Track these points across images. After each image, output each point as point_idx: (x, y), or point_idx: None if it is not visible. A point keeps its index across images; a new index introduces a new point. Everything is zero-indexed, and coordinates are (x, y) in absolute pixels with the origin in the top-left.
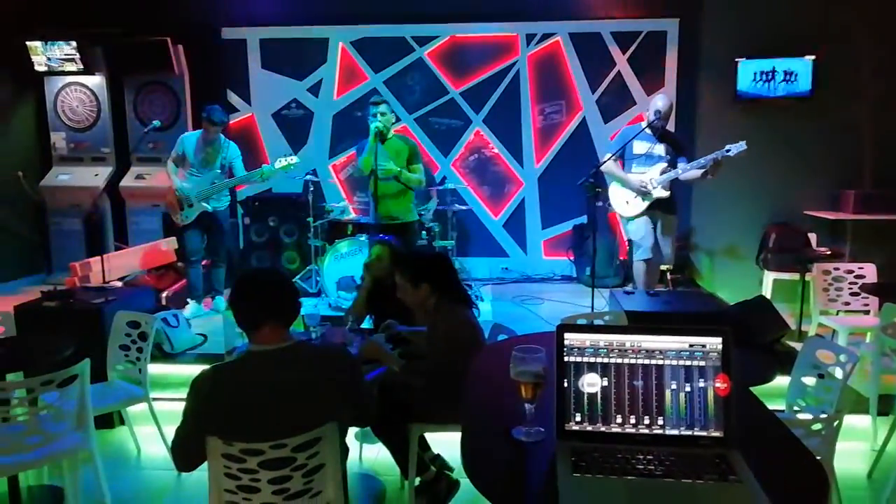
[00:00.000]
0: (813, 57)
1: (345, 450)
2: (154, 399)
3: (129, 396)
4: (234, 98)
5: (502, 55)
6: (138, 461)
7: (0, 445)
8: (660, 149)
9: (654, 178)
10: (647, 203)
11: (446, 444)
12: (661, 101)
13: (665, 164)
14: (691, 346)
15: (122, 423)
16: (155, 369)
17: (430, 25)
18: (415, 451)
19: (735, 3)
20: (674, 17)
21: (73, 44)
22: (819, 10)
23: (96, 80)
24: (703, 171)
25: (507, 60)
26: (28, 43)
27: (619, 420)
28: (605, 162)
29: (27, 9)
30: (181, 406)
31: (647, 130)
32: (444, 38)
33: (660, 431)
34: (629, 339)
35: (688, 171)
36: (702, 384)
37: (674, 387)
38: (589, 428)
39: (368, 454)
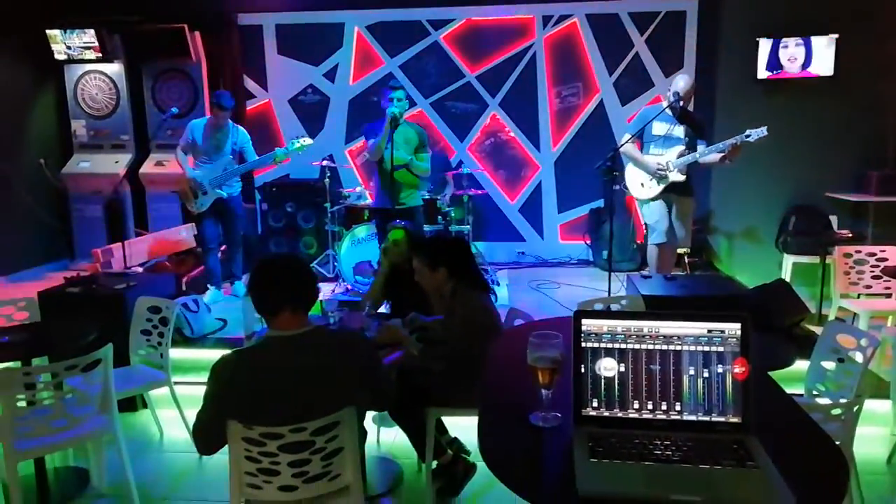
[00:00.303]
0: (835, 35)
1: (363, 433)
2: (175, 383)
3: (152, 380)
4: (250, 84)
5: (518, 38)
6: (161, 444)
7: (27, 429)
8: (679, 131)
9: (671, 160)
10: (662, 186)
11: (464, 427)
12: (681, 81)
13: (683, 147)
14: (710, 331)
15: (145, 406)
16: (176, 354)
17: (445, 9)
18: (432, 434)
19: None
20: None
21: (92, 32)
22: None
23: (115, 68)
24: (721, 155)
25: (523, 43)
26: (48, 31)
27: (636, 406)
28: (623, 144)
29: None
30: (202, 390)
31: (668, 111)
32: (460, 21)
33: (677, 417)
34: (647, 325)
35: (706, 155)
36: (720, 370)
37: (692, 372)
38: (606, 413)
39: (386, 437)
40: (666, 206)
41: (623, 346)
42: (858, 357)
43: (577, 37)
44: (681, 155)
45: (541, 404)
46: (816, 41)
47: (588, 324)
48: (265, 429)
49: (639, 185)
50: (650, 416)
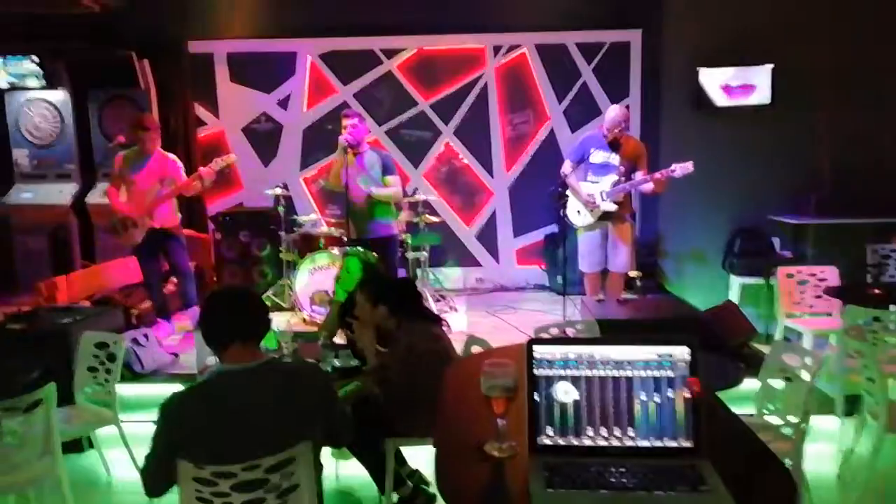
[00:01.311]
0: (772, 65)
1: (319, 467)
2: (124, 421)
3: (98, 419)
4: (202, 112)
5: (470, 67)
6: (108, 486)
7: None
8: (615, 159)
9: (604, 189)
10: (596, 216)
11: (424, 459)
12: (610, 111)
13: (617, 177)
14: (659, 356)
15: (91, 446)
16: (125, 390)
17: (398, 37)
18: (391, 466)
19: (695, 14)
20: (636, 27)
21: (35, 58)
22: (777, 19)
23: (60, 96)
24: (650, 185)
25: (474, 72)
26: None
27: (590, 433)
28: (569, 172)
29: None
30: (152, 428)
31: (604, 140)
32: (412, 50)
33: (631, 443)
34: (598, 351)
35: (636, 185)
36: (670, 394)
37: (643, 397)
38: (561, 441)
39: (344, 471)
40: (601, 234)
41: (576, 372)
42: (805, 375)
43: (526, 66)
44: (615, 184)
45: (497, 434)
46: (754, 70)
47: (540, 351)
48: (216, 468)
49: (575, 212)
50: (605, 443)
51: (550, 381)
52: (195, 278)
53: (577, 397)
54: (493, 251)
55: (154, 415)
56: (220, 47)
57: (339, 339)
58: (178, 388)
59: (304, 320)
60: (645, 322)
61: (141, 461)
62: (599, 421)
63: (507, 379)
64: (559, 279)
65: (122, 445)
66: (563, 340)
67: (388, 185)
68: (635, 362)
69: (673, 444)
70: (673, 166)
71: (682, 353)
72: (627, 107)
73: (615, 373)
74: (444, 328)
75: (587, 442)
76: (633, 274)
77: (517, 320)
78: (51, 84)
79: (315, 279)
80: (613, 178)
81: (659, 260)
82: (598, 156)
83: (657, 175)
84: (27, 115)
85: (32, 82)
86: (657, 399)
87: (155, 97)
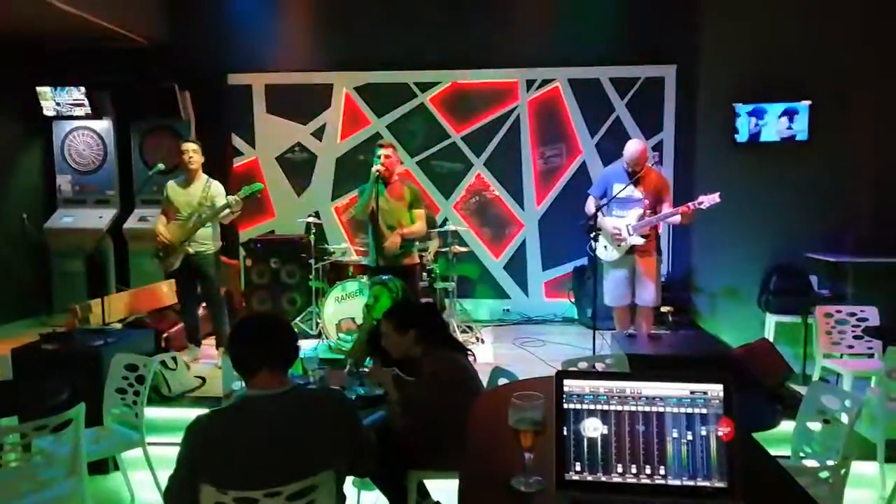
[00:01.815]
0: (809, 102)
1: (342, 498)
2: (150, 444)
3: (125, 441)
4: (238, 142)
5: (503, 100)
6: None
7: None
8: (638, 192)
9: (630, 223)
10: (623, 250)
11: (446, 491)
12: (630, 146)
13: (642, 210)
14: (692, 392)
15: (117, 468)
16: (152, 413)
17: (432, 72)
18: (413, 499)
19: (731, 50)
20: (671, 63)
21: (83, 89)
22: (815, 54)
23: (103, 125)
24: (678, 217)
25: (507, 105)
26: (38, 88)
27: (619, 469)
28: (597, 209)
29: (39, 56)
30: (177, 451)
31: (626, 174)
32: (446, 83)
33: (661, 482)
34: (629, 386)
35: (663, 218)
36: (703, 432)
37: (675, 435)
38: (589, 477)
39: (366, 501)
40: (628, 268)
41: (606, 407)
42: (844, 418)
43: (559, 100)
44: (640, 217)
45: (523, 468)
46: (792, 107)
47: (570, 384)
48: (239, 493)
49: (603, 247)
50: (634, 480)
51: (580, 415)
52: (225, 303)
53: (607, 432)
54: (522, 283)
55: (178, 437)
56: (259, 79)
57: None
58: (203, 411)
59: (331, 348)
60: (675, 358)
61: (165, 484)
62: (629, 458)
63: (535, 412)
64: (588, 312)
65: (147, 468)
66: (593, 374)
67: (415, 219)
68: (667, 398)
69: (706, 484)
70: (700, 198)
71: (716, 390)
72: (661, 141)
73: (646, 408)
74: (470, 358)
75: (616, 479)
76: (664, 309)
77: (544, 353)
78: (95, 113)
79: (342, 307)
80: (639, 211)
81: (692, 296)
82: (619, 189)
83: (684, 208)
84: (72, 142)
85: (78, 111)
86: (689, 437)
87: (194, 127)
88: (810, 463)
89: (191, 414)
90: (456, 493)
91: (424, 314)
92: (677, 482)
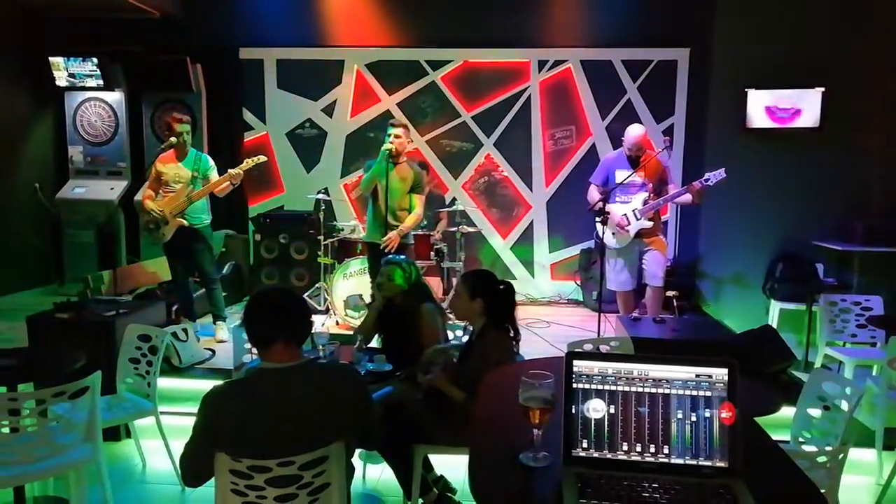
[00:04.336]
0: (822, 89)
1: (351, 469)
2: (161, 413)
3: (138, 409)
4: (249, 116)
5: (514, 81)
6: (143, 475)
7: (9, 456)
8: (639, 178)
9: (636, 207)
10: (631, 237)
11: (449, 465)
12: (633, 130)
13: (646, 194)
14: (698, 376)
15: (128, 435)
16: (162, 383)
17: (444, 50)
18: (419, 472)
19: (745, 34)
20: (684, 46)
21: (95, 60)
22: (828, 41)
23: (115, 96)
24: (689, 196)
25: (518, 86)
26: (51, 59)
27: (625, 447)
28: (599, 199)
29: (51, 27)
30: (188, 420)
31: (627, 160)
32: (458, 62)
33: (665, 460)
34: (637, 368)
35: (671, 199)
36: (707, 414)
37: (680, 416)
38: (595, 454)
39: (372, 474)
40: (635, 253)
41: (613, 387)
42: (844, 405)
43: (571, 82)
44: (646, 201)
45: (531, 444)
46: (804, 93)
47: (580, 365)
48: (253, 461)
49: (610, 233)
50: (639, 458)
51: (587, 394)
52: (232, 276)
53: (613, 412)
54: (528, 264)
55: (190, 408)
56: (270, 54)
57: (374, 343)
58: (213, 382)
59: (338, 323)
60: (680, 343)
61: (176, 452)
62: (634, 437)
63: (545, 391)
64: (594, 295)
65: (158, 436)
66: (602, 356)
67: (414, 204)
68: (673, 381)
69: (707, 463)
70: (706, 175)
71: (720, 374)
72: (672, 125)
73: (652, 390)
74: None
75: (621, 456)
76: (669, 293)
77: (549, 335)
78: (108, 85)
79: (350, 284)
80: (643, 195)
81: (697, 281)
82: (623, 175)
83: (690, 186)
84: (84, 113)
85: (91, 83)
86: (693, 418)
87: (205, 101)
88: (809, 448)
89: (201, 385)
90: (458, 467)
91: (497, 291)
92: (680, 461)
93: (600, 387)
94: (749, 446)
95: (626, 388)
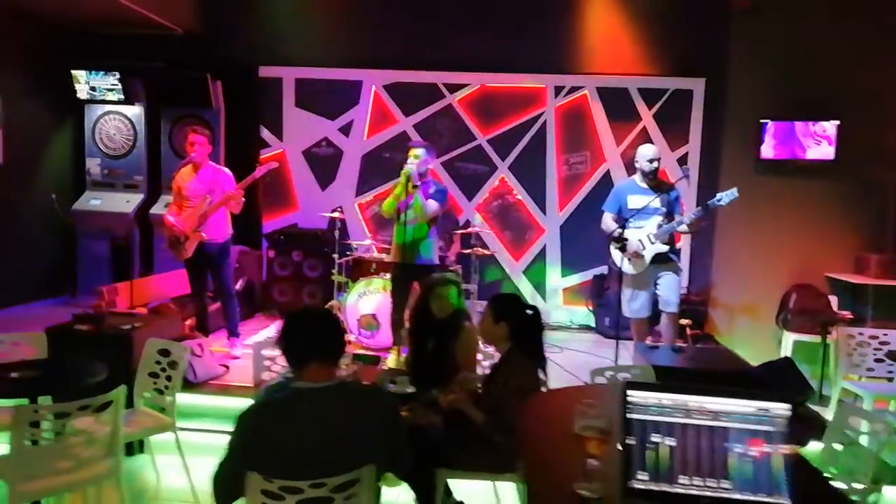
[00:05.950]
0: (837, 122)
1: (378, 491)
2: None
3: (157, 424)
4: (266, 134)
5: (530, 105)
6: (157, 491)
7: (29, 469)
8: (656, 201)
9: (651, 232)
10: (647, 262)
11: (468, 492)
12: (643, 148)
13: (661, 218)
14: (757, 409)
15: (142, 450)
16: (178, 399)
17: (461, 73)
18: (440, 496)
19: (761, 66)
20: (700, 76)
21: (117, 74)
22: (844, 73)
23: (135, 110)
24: (700, 218)
25: (534, 111)
26: (73, 71)
27: (684, 481)
28: (614, 231)
29: (75, 40)
30: (203, 437)
31: (642, 184)
32: (475, 86)
33: (726, 495)
34: (693, 400)
35: (684, 222)
36: (768, 449)
37: (739, 450)
38: (653, 487)
39: (388, 496)
40: (648, 281)
41: (670, 419)
42: (863, 439)
43: (586, 108)
44: (660, 225)
45: (587, 473)
46: (819, 125)
47: (634, 395)
48: (285, 482)
49: (627, 259)
50: (697, 491)
51: (644, 425)
52: (245, 292)
53: (672, 444)
54: (541, 288)
55: (205, 424)
56: (289, 73)
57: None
58: (230, 400)
59: (350, 343)
60: (703, 373)
61: (193, 469)
62: (693, 470)
63: (601, 419)
64: (607, 321)
65: (174, 452)
66: (657, 386)
67: (431, 203)
68: (732, 414)
69: (768, 500)
70: (718, 195)
71: (780, 408)
72: (686, 154)
73: (711, 423)
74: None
75: (679, 490)
76: (682, 322)
77: (564, 360)
78: (128, 99)
79: (364, 303)
80: (657, 219)
81: (710, 310)
82: (636, 200)
83: (700, 209)
84: (103, 126)
85: (111, 96)
86: (753, 452)
87: (224, 117)
88: (837, 484)
89: (215, 401)
90: (477, 493)
91: (522, 315)
92: (740, 496)
93: (657, 418)
94: (804, 483)
95: (684, 421)
